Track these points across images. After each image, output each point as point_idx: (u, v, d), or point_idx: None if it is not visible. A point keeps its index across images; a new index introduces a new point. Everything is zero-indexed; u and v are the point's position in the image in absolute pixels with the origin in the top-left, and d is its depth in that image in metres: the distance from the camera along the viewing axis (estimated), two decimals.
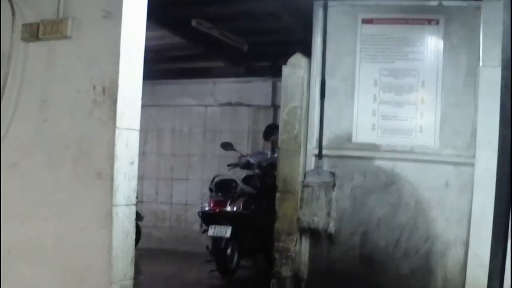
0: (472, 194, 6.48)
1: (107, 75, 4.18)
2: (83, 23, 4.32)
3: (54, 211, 4.30)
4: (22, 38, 4.49)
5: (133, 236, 4.35)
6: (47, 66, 4.42)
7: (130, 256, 4.31)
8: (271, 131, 9.14)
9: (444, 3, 6.79)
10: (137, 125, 4.34)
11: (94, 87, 4.21)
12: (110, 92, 4.16)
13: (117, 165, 4.14)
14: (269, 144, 9.65)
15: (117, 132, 4.14)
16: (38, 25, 4.42)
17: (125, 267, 4.26)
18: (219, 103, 10.68)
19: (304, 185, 7.00)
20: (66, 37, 4.33)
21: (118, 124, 4.14)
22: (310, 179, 7.00)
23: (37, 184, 4.38)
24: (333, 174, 6.97)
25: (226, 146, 9.04)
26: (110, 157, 4.12)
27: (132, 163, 4.30)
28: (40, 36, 4.41)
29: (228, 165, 9.05)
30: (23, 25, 4.49)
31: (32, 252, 4.37)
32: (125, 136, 4.20)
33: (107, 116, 4.16)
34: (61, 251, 4.28)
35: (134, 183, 4.33)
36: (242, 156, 8.92)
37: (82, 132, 4.24)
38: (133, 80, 4.30)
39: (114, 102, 4.14)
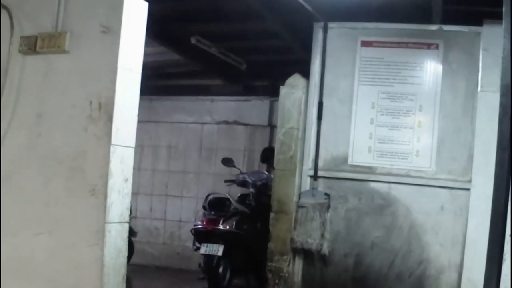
0: (467, 219, 6.47)
1: (103, 91, 4.15)
2: (81, 38, 4.30)
3: (46, 227, 4.25)
4: (19, 51, 4.45)
5: (126, 253, 4.31)
6: (44, 79, 4.39)
7: (122, 273, 4.27)
8: (271, 154, 9.11)
9: (444, 27, 6.81)
10: (132, 142, 4.32)
11: (90, 102, 4.18)
12: (106, 109, 4.13)
13: (111, 182, 4.11)
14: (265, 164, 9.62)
15: (112, 149, 4.11)
16: (36, 38, 4.39)
17: (117, 285, 4.22)
18: (216, 121, 10.67)
19: (299, 206, 6.99)
20: (63, 51, 4.30)
21: (113, 141, 4.11)
22: (304, 200, 6.98)
23: (29, 199, 4.34)
24: (328, 195, 6.95)
25: (227, 162, 9.02)
26: (104, 174, 4.09)
27: (126, 180, 4.27)
28: (37, 49, 4.38)
29: (226, 181, 9.06)
30: (21, 38, 4.45)
31: (23, 267, 4.32)
32: (120, 153, 4.18)
33: (102, 132, 4.13)
34: (52, 267, 4.24)
35: (127, 200, 4.30)
36: (241, 173, 8.91)
37: (76, 148, 4.21)
38: (130, 97, 4.28)
39: (110, 118, 4.12)
